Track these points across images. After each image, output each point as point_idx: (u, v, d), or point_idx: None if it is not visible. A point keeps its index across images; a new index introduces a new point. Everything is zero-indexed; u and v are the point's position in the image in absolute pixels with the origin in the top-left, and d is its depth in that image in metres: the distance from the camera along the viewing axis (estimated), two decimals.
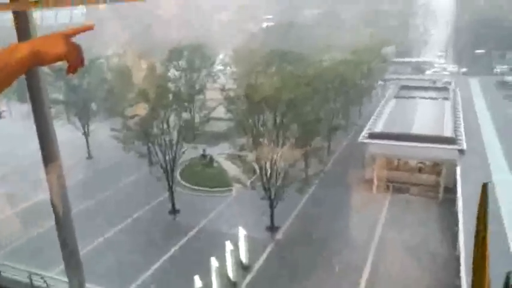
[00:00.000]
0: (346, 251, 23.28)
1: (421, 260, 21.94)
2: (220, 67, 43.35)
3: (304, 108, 27.26)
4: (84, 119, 36.33)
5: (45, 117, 2.66)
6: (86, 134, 36.54)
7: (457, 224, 22.70)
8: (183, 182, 31.98)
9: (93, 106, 37.50)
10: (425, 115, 36.28)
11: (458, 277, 19.52)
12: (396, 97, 41.53)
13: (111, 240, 25.24)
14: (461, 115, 35.17)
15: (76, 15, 42.28)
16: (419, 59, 61.62)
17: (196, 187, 31.38)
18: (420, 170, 30.80)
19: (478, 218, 1.22)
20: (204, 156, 34.92)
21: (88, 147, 36.66)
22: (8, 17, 2.46)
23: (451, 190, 27.28)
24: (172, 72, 37.05)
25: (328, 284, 20.96)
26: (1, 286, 3.77)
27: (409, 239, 23.81)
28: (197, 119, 34.05)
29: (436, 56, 64.09)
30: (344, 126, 35.98)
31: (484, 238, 1.22)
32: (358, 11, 55.77)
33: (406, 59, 58.05)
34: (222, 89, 29.75)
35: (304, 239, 24.58)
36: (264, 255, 23.51)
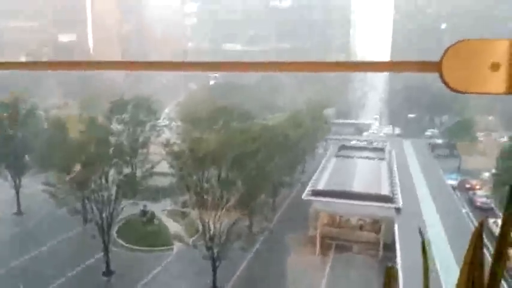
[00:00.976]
0: None
1: None
2: (166, 121, 43.07)
3: (249, 164, 27.36)
4: (15, 172, 33.98)
5: None
6: (17, 188, 34.04)
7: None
8: (120, 241, 30.15)
9: (27, 159, 35.36)
10: (364, 174, 37.73)
11: None
12: (337, 156, 43.09)
13: None
14: (396, 174, 36.95)
15: None
16: (358, 121, 65.24)
17: (134, 246, 29.65)
18: (361, 228, 31.47)
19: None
20: (144, 212, 33.43)
21: (18, 202, 34.00)
22: None
23: (390, 247, 27.89)
24: (115, 126, 36.14)
25: None
26: None
27: None
28: (139, 174, 32.94)
29: (372, 119, 68.24)
30: (288, 183, 36.41)
31: None
32: (301, 74, 58.76)
33: (346, 121, 61.18)
34: (166, 144, 29.28)
35: None
36: None
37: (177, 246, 28.08)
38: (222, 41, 72.16)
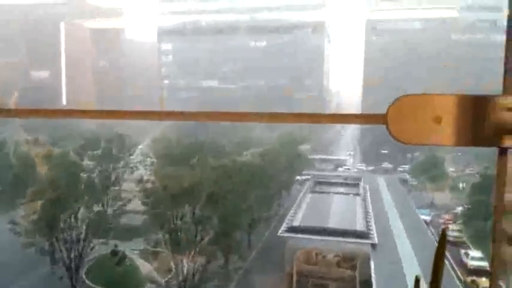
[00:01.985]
0: None
1: None
2: (139, 157, 42.45)
3: (224, 201, 27.09)
4: None
5: None
6: None
7: None
8: (89, 282, 28.81)
9: None
10: (339, 210, 37.86)
11: None
12: (312, 192, 43.23)
13: None
14: (371, 210, 37.23)
15: None
16: (333, 157, 66.11)
17: None
18: (338, 264, 31.17)
19: None
20: (115, 252, 32.21)
21: None
22: None
23: (366, 283, 27.64)
24: (87, 162, 35.37)
25: None
26: None
27: None
28: (110, 212, 32.03)
29: (347, 155, 69.32)
30: (264, 219, 36.08)
31: None
32: (276, 110, 59.60)
33: (321, 156, 61.90)
34: (140, 181, 28.80)
35: None
36: None
37: (149, 287, 27.06)
38: (198, 78, 73.01)
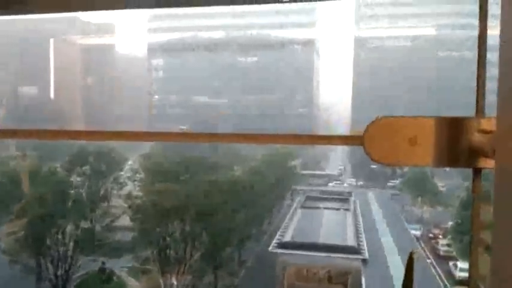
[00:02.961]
0: None
1: None
2: (129, 173, 42.11)
3: (215, 217, 26.92)
4: None
5: None
6: None
7: None
8: None
9: None
10: (330, 225, 37.78)
11: None
12: (303, 207, 43.14)
13: None
14: (362, 226, 37.21)
15: None
16: (323, 172, 66.32)
17: None
18: (329, 280, 30.94)
19: None
20: (103, 270, 31.67)
21: None
22: None
23: None
24: (75, 178, 34.99)
25: None
26: None
27: None
28: (98, 229, 31.60)
29: (337, 170, 69.59)
30: (255, 235, 35.85)
31: None
32: (267, 125, 59.93)
33: (311, 172, 62.04)
34: (129, 196, 28.55)
35: None
36: None
37: None
38: (189, 93, 73.20)
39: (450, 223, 41.16)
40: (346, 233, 35.24)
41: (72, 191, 31.21)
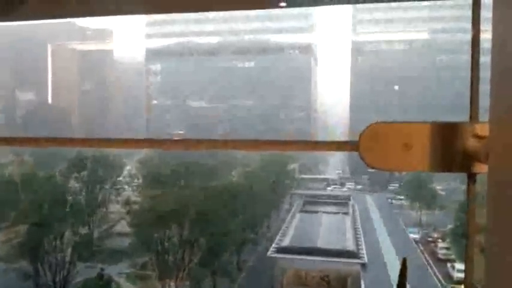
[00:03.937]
0: None
1: None
2: (127, 179, 42.01)
3: (212, 222, 26.85)
4: None
5: None
6: None
7: None
8: None
9: None
10: (329, 229, 37.70)
11: None
12: (301, 211, 43.09)
13: None
14: (360, 230, 37.17)
15: None
16: (321, 176, 66.25)
17: None
18: (328, 285, 30.85)
19: None
20: (101, 276, 31.51)
21: None
22: None
23: None
24: (73, 184, 34.87)
25: None
26: None
27: None
28: (96, 234, 31.47)
29: (335, 174, 69.53)
30: (254, 240, 35.76)
31: None
32: (263, 128, 60.03)
33: (310, 176, 61.96)
34: (127, 202, 28.48)
35: None
36: None
37: None
38: (186, 98, 73.25)
39: (449, 226, 41.12)
40: (345, 237, 35.19)
41: (70, 197, 31.11)
